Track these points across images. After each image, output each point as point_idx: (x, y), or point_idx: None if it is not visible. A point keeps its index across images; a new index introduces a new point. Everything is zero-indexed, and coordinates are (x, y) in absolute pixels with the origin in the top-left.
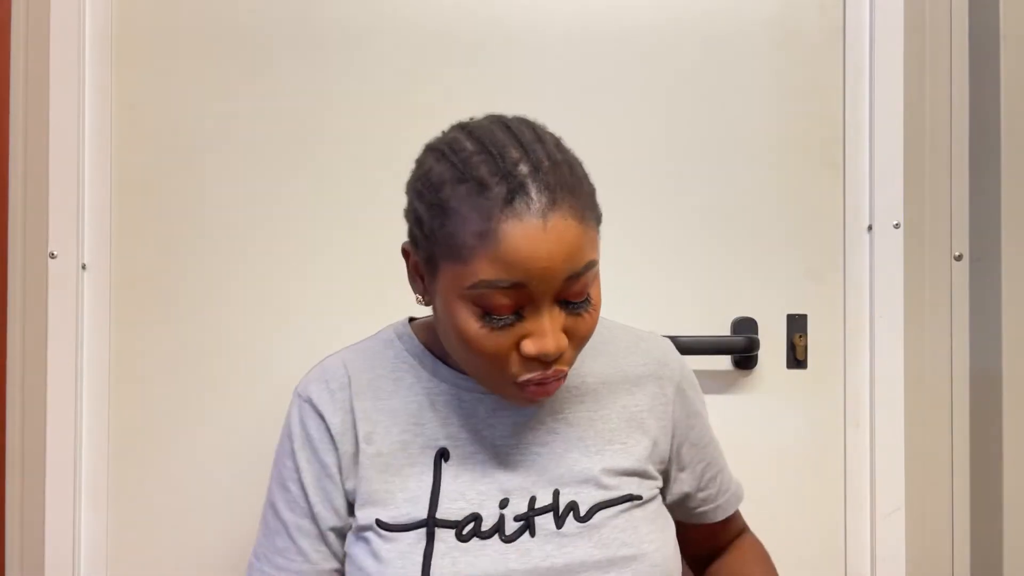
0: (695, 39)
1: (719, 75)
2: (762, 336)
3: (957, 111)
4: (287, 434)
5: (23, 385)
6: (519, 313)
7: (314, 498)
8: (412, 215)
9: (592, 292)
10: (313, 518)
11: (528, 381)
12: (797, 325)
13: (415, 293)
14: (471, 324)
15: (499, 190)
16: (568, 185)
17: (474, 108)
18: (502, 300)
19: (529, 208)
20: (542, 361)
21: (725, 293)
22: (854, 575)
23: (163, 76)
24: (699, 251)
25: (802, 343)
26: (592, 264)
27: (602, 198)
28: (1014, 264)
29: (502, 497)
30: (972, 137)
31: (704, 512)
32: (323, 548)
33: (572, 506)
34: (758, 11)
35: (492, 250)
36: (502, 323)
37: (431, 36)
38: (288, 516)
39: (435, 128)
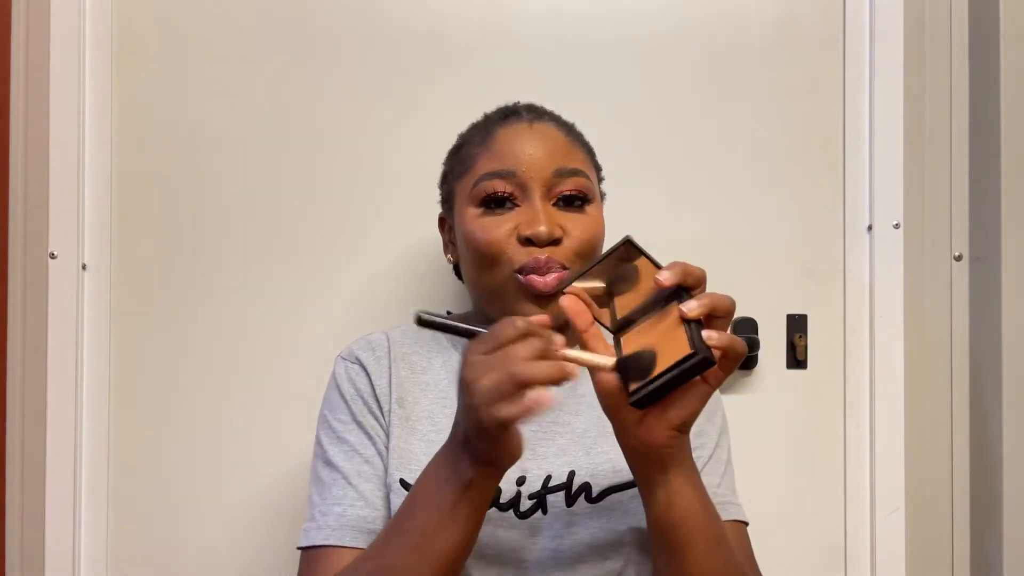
0: (695, 39)
1: (719, 75)
2: (762, 336)
3: (957, 111)
4: (336, 391)
5: (23, 385)
6: (514, 203)
7: (376, 437)
8: (441, 178)
9: (589, 207)
10: (375, 458)
11: (526, 268)
12: (797, 325)
13: (446, 255)
14: (474, 217)
15: (497, 116)
16: (558, 120)
17: (475, 108)
18: (498, 185)
19: (519, 120)
20: (537, 245)
21: (725, 293)
22: (854, 575)
23: (163, 76)
24: (699, 251)
25: (802, 343)
26: (582, 173)
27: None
28: (1014, 264)
29: (520, 474)
30: (972, 137)
31: None
32: (383, 492)
33: (585, 487)
34: (758, 11)
35: (489, 150)
36: (497, 205)
37: (432, 36)
38: (346, 465)
39: (435, 127)
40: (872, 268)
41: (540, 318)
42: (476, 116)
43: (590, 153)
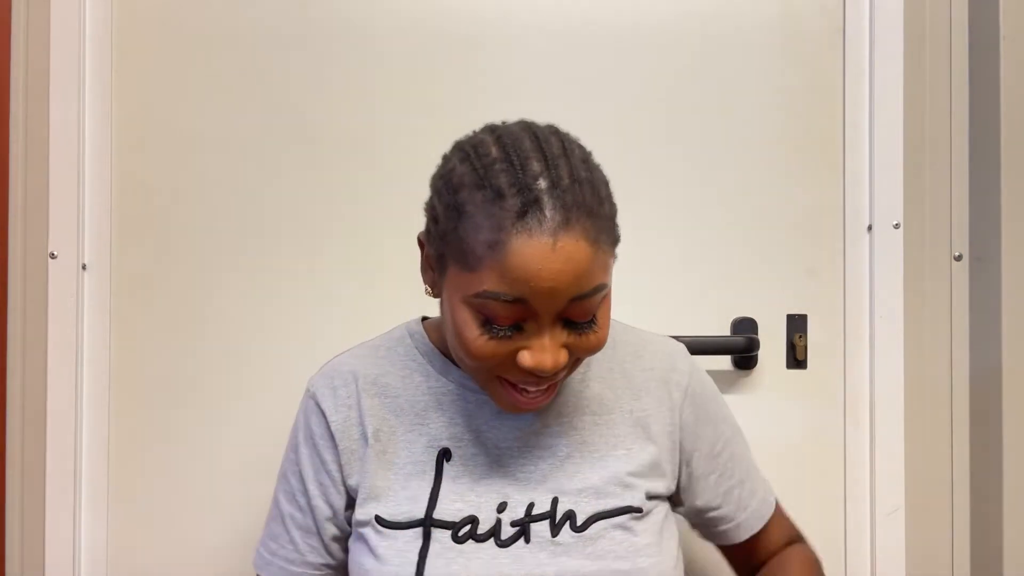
0: (695, 39)
1: (719, 75)
2: (762, 336)
3: (957, 111)
4: (294, 428)
5: (23, 385)
6: (520, 326)
7: (312, 491)
8: (430, 210)
9: (599, 314)
10: (307, 511)
11: (520, 385)
12: (797, 325)
13: (425, 284)
14: (472, 330)
15: (514, 202)
16: (585, 206)
17: (475, 108)
18: (504, 312)
19: (541, 225)
20: (536, 375)
21: (725, 293)
22: (854, 575)
23: (163, 76)
24: (699, 251)
25: (802, 343)
26: (601, 288)
27: None
28: (1014, 264)
29: (500, 501)
30: (972, 137)
31: (725, 532)
32: (313, 542)
33: (569, 515)
34: (758, 11)
35: (499, 263)
36: (502, 334)
37: (431, 36)
38: (285, 506)
39: (436, 127)
40: (872, 268)
41: None
42: (472, 119)
43: (611, 235)
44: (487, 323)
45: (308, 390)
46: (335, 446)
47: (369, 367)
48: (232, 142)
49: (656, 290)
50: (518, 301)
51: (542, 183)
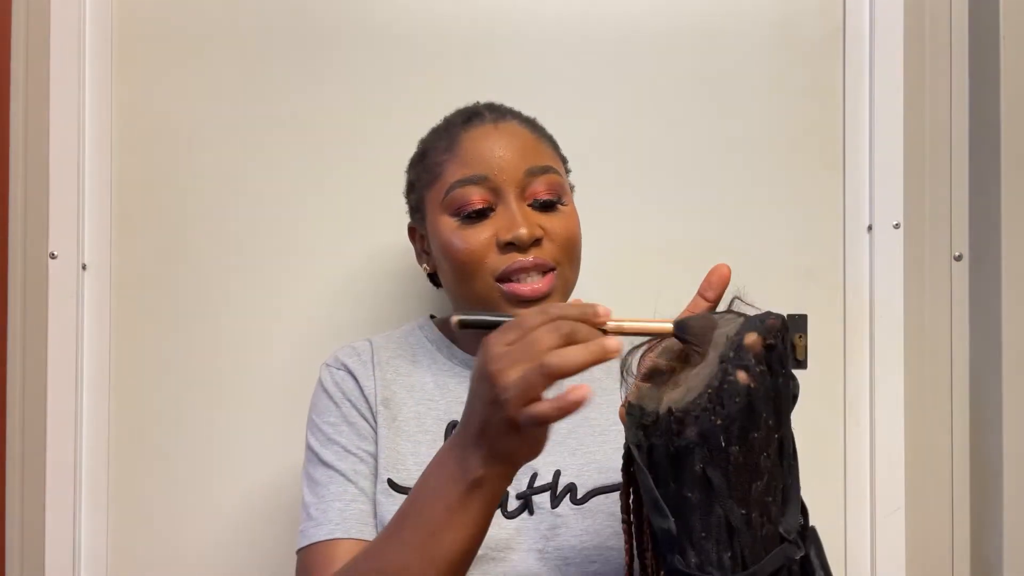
0: (695, 39)
1: (719, 75)
2: None
3: (957, 111)
4: (325, 395)
5: (23, 385)
6: (491, 209)
7: (367, 438)
8: (407, 188)
9: (566, 200)
10: (366, 460)
11: (509, 273)
12: (797, 325)
13: (420, 265)
14: (450, 228)
15: (459, 119)
16: (521, 115)
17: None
18: (473, 195)
19: (483, 122)
20: (518, 248)
21: (725, 293)
22: (854, 575)
23: (163, 76)
24: (699, 251)
25: (802, 343)
26: (553, 169)
27: (601, 197)
28: (1014, 264)
29: None
30: (972, 137)
31: None
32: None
33: (570, 488)
34: (758, 11)
35: (456, 156)
36: (475, 216)
37: (431, 36)
38: (341, 464)
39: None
40: (872, 268)
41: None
42: None
43: (555, 146)
44: (463, 215)
45: (332, 364)
46: (369, 405)
47: (383, 349)
48: (232, 141)
49: (655, 290)
50: (481, 180)
51: (482, 104)
